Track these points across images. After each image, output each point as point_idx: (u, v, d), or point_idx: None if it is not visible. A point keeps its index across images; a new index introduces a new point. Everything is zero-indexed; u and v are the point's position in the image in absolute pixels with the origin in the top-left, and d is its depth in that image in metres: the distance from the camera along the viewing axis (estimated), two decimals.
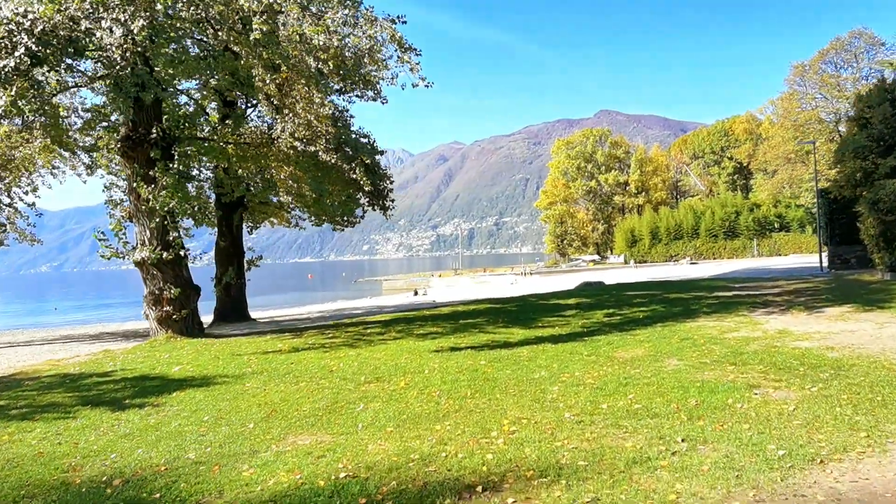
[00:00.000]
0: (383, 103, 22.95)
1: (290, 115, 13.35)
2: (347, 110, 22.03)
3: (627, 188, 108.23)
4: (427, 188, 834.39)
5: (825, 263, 27.75)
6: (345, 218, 24.92)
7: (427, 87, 12.15)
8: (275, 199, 26.36)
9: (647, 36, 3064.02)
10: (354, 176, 14.49)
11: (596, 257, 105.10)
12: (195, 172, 21.05)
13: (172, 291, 14.59)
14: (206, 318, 27.80)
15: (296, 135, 13.98)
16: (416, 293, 55.84)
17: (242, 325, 23.07)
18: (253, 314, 36.44)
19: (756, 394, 6.51)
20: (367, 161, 14.30)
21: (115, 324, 32.06)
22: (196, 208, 16.21)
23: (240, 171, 17.36)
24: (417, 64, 12.07)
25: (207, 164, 21.68)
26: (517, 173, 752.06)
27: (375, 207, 20.33)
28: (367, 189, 14.56)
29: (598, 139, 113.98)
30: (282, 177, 15.81)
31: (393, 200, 22.27)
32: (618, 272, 68.33)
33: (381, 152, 21.39)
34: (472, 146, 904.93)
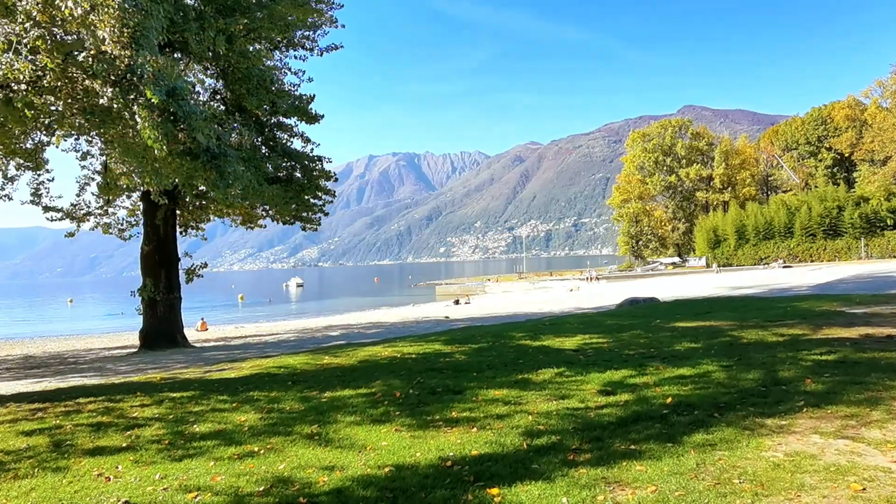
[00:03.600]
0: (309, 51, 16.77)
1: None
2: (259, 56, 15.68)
3: (711, 183, 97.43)
4: (503, 190, 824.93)
5: None
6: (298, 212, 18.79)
7: None
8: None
9: (735, 27, 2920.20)
10: (135, 124, 8.09)
11: (676, 259, 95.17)
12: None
13: None
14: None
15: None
16: (456, 302, 50.22)
17: (147, 357, 17.27)
18: (249, 327, 31.19)
19: None
20: (156, 99, 7.73)
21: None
22: None
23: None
24: None
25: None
26: (596, 172, 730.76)
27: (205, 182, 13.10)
28: (161, 153, 8.00)
29: (678, 130, 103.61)
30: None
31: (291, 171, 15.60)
32: (695, 279, 59.42)
33: (312, 117, 14.98)
34: (548, 146, 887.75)
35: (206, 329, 38.06)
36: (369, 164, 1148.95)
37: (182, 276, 20.69)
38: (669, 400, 6.32)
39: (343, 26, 21.84)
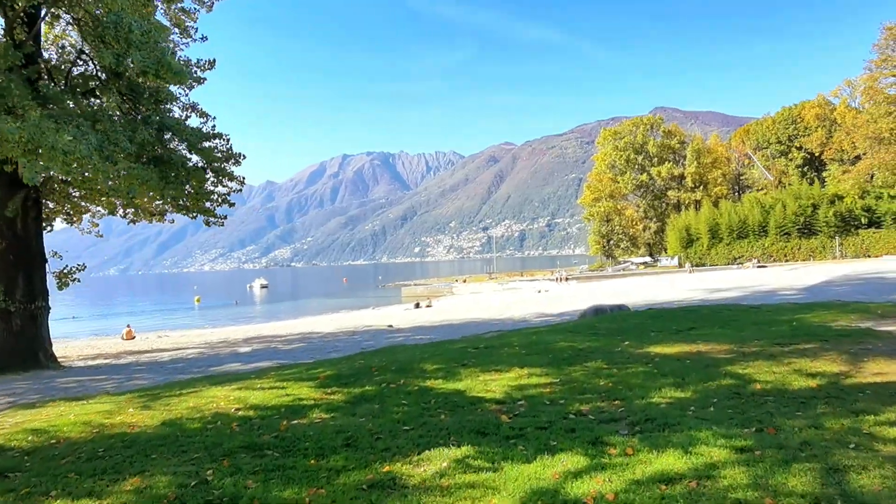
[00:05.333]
0: None
1: None
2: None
3: (683, 182, 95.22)
4: (478, 190, 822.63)
5: None
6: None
7: None
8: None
9: (705, 30, 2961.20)
10: None
11: (647, 259, 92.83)
12: None
13: None
14: None
15: None
16: (416, 305, 46.88)
17: None
18: (174, 335, 27.72)
19: None
20: None
21: None
22: None
23: None
24: None
25: None
26: (569, 173, 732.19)
27: None
28: None
29: (650, 128, 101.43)
30: None
31: None
32: (668, 280, 56.67)
33: (176, 73, 11.29)
34: (522, 146, 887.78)
35: (133, 337, 34.34)
36: (343, 163, 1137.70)
37: (52, 281, 16.82)
38: None
39: None
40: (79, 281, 17.65)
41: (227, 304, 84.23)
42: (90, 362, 18.46)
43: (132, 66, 12.38)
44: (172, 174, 14.98)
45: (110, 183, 12.66)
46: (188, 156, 16.09)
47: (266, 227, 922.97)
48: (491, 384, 7.12)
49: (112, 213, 17.76)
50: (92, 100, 15.26)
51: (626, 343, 9.61)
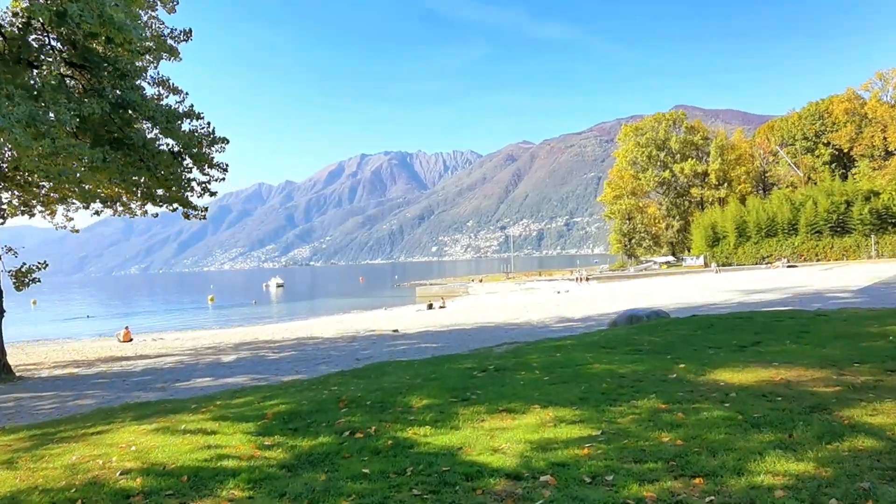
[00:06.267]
0: None
1: None
2: None
3: (706, 179, 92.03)
4: (495, 189, 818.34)
5: None
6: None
7: None
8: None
9: (725, 27, 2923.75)
10: None
11: (670, 258, 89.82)
12: None
13: None
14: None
15: None
16: (430, 306, 44.77)
17: None
18: (168, 338, 26.22)
19: None
20: None
21: None
22: None
23: None
24: None
25: None
26: (588, 172, 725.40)
27: None
28: None
29: (672, 124, 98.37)
30: None
31: None
32: (695, 280, 54.02)
33: (118, 28, 9.18)
34: (541, 145, 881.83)
35: (131, 339, 32.70)
36: (361, 163, 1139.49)
37: (8, 282, 14.88)
38: None
39: None
40: (39, 281, 15.76)
41: (240, 304, 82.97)
42: (57, 371, 16.56)
43: (76, 27, 10.30)
44: (138, 158, 12.96)
45: (38, 162, 10.64)
46: (162, 139, 14.04)
47: (285, 226, 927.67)
48: (500, 436, 4.86)
49: (63, 200, 15.76)
50: (43, 71, 13.28)
51: (682, 366, 7.30)
